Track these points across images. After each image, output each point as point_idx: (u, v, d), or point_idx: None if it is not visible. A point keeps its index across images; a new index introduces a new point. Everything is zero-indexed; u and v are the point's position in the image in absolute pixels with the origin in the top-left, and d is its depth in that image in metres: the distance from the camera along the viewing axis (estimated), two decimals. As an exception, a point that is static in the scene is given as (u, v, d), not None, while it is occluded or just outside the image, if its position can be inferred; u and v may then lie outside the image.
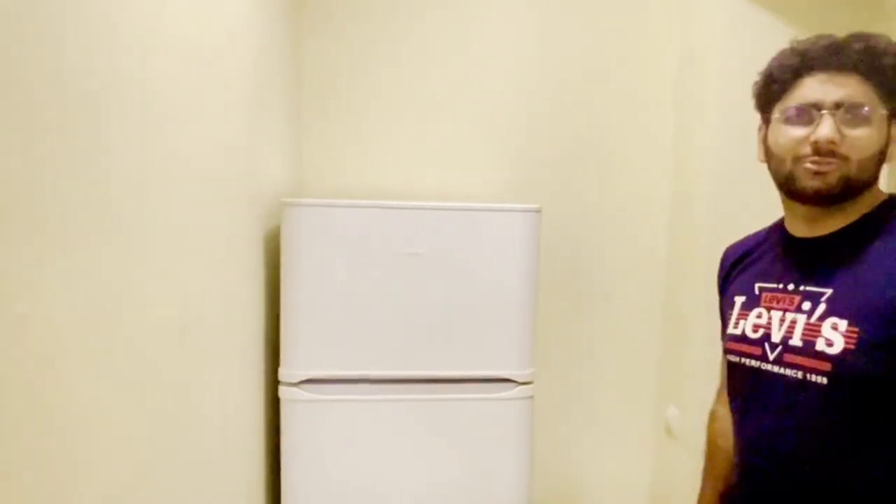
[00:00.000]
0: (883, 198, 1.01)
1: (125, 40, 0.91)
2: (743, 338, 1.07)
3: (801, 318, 0.98)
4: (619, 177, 2.15)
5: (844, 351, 0.90)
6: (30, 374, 0.71)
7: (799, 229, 1.05)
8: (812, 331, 0.96)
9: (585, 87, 2.11)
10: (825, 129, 0.94)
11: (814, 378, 0.93)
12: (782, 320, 1.01)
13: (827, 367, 0.92)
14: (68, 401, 0.79)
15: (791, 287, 1.02)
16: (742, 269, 1.16)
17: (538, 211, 1.74)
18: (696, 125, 1.99)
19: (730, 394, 1.14)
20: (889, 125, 0.97)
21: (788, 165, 0.99)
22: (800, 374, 0.95)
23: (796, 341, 0.97)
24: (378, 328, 1.70)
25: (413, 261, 1.69)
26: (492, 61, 2.08)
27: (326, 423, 1.71)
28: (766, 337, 1.02)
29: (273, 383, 1.72)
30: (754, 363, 1.04)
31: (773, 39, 1.82)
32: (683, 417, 2.00)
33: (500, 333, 1.74)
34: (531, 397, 1.76)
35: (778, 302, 1.03)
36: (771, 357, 1.00)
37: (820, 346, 0.93)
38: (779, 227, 1.12)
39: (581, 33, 2.10)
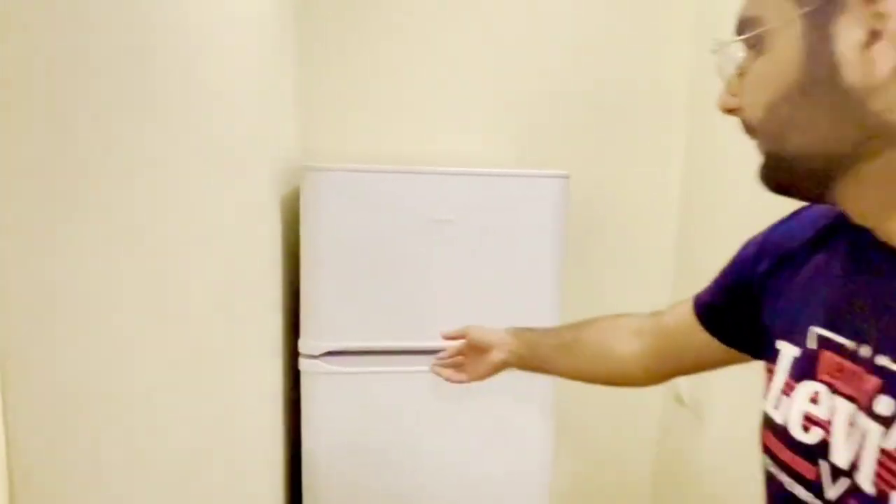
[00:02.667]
0: None
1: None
2: (785, 434, 0.58)
3: (874, 431, 0.49)
4: (637, 140, 2.10)
5: None
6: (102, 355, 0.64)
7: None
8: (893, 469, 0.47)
9: (604, 48, 2.05)
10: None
11: None
12: (852, 424, 0.52)
13: None
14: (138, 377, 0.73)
15: (865, 352, 0.52)
16: (791, 279, 0.63)
17: (567, 177, 1.69)
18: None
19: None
20: (820, 24, 0.51)
21: None
22: None
23: (864, 481, 0.49)
24: (402, 298, 1.64)
25: (438, 228, 1.62)
26: (507, 22, 2.00)
27: (348, 396, 1.65)
28: (826, 449, 0.53)
29: (292, 356, 1.66)
30: (801, 492, 0.55)
31: None
32: (694, 387, 2.00)
33: (527, 302, 1.69)
34: (556, 368, 1.73)
35: (847, 379, 0.53)
36: (831, 494, 0.53)
37: None
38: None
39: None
